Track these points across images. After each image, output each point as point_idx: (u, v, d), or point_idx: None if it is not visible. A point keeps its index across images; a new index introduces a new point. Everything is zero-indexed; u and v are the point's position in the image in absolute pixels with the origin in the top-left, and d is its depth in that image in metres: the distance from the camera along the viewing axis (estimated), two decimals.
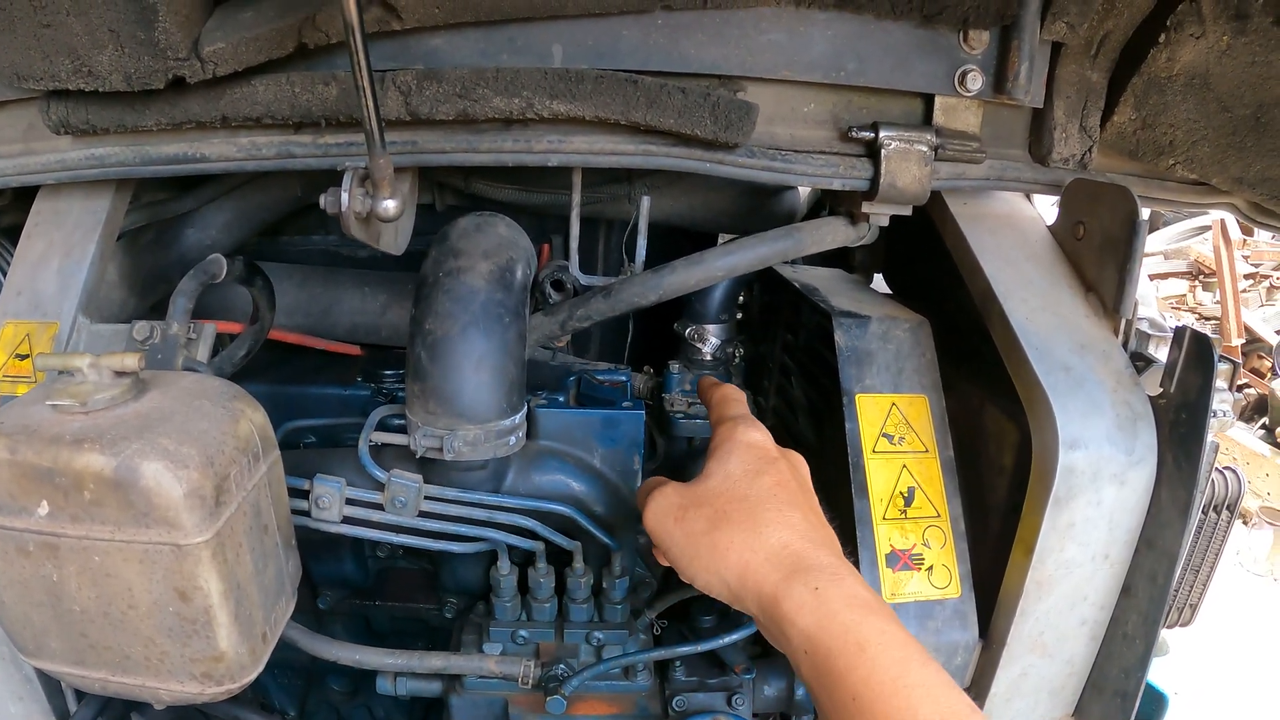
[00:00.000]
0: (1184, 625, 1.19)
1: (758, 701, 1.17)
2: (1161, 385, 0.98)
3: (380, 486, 1.04)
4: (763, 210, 1.33)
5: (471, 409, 1.00)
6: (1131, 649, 1.02)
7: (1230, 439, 5.10)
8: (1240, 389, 5.59)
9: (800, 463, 0.88)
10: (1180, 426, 0.96)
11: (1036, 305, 1.01)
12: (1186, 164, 1.11)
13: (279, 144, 1.02)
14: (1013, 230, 1.08)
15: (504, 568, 1.10)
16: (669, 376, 1.23)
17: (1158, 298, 5.85)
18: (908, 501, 1.03)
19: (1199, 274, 6.20)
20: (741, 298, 1.35)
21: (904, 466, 1.04)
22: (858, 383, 1.05)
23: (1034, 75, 1.04)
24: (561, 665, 1.11)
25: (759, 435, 0.86)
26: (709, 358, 1.22)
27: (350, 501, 1.05)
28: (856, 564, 0.98)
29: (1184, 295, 6.09)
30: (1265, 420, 5.25)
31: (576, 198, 1.03)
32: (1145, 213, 1.02)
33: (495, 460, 1.04)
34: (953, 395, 1.12)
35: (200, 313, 1.14)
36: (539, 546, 1.07)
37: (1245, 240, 6.16)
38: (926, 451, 1.06)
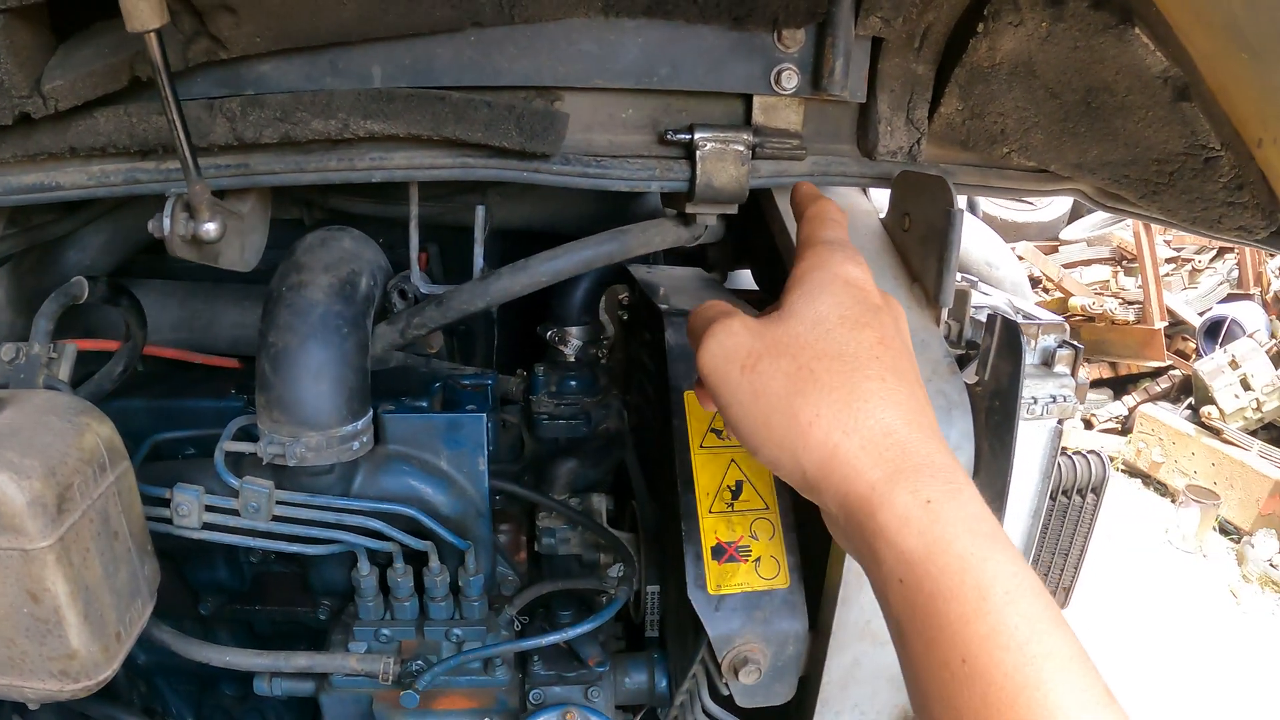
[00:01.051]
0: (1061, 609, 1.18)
1: (619, 694, 1.20)
2: (977, 374, 0.99)
3: (235, 493, 1.10)
4: (624, 212, 1.34)
5: (313, 416, 1.05)
6: None
7: (1155, 419, 5.16)
8: (1165, 371, 5.57)
9: (902, 316, 0.70)
10: (995, 414, 0.95)
11: None
12: (1021, 152, 1.11)
13: (125, 171, 1.05)
14: None
15: (364, 569, 1.14)
16: (535, 379, 1.26)
17: (1081, 284, 5.86)
18: (735, 495, 1.05)
19: (1121, 260, 6.23)
20: (624, 298, 1.38)
21: (732, 461, 1.06)
22: (686, 379, 1.06)
23: (852, 71, 1.04)
24: (420, 661, 1.15)
25: (859, 272, 0.68)
26: (572, 358, 1.25)
27: (209, 509, 1.10)
28: (681, 558, 1.01)
29: (1107, 281, 6.11)
30: (1190, 400, 5.27)
31: (414, 210, 1.07)
32: (962, 201, 1.03)
33: (342, 465, 1.08)
34: None
35: (92, 332, 1.22)
36: (395, 548, 1.11)
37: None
38: None
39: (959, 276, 1.63)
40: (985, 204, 7.15)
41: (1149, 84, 1.07)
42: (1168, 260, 6.13)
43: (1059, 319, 1.18)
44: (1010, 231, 7.53)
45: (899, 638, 0.55)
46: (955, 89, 1.05)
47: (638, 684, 1.18)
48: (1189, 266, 6.12)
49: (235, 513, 1.07)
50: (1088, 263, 6.31)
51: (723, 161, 1.02)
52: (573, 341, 1.26)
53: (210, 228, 0.96)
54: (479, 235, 1.05)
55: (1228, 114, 1.11)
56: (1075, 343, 1.08)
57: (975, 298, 1.31)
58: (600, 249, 1.04)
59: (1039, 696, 0.47)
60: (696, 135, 1.01)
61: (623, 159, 1.02)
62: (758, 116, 1.04)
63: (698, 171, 1.01)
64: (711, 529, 1.02)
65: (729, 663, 1.00)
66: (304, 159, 1.04)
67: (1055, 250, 6.73)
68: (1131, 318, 5.55)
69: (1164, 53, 1.06)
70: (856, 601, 0.98)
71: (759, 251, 1.39)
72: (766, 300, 1.18)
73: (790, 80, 1.02)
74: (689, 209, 1.04)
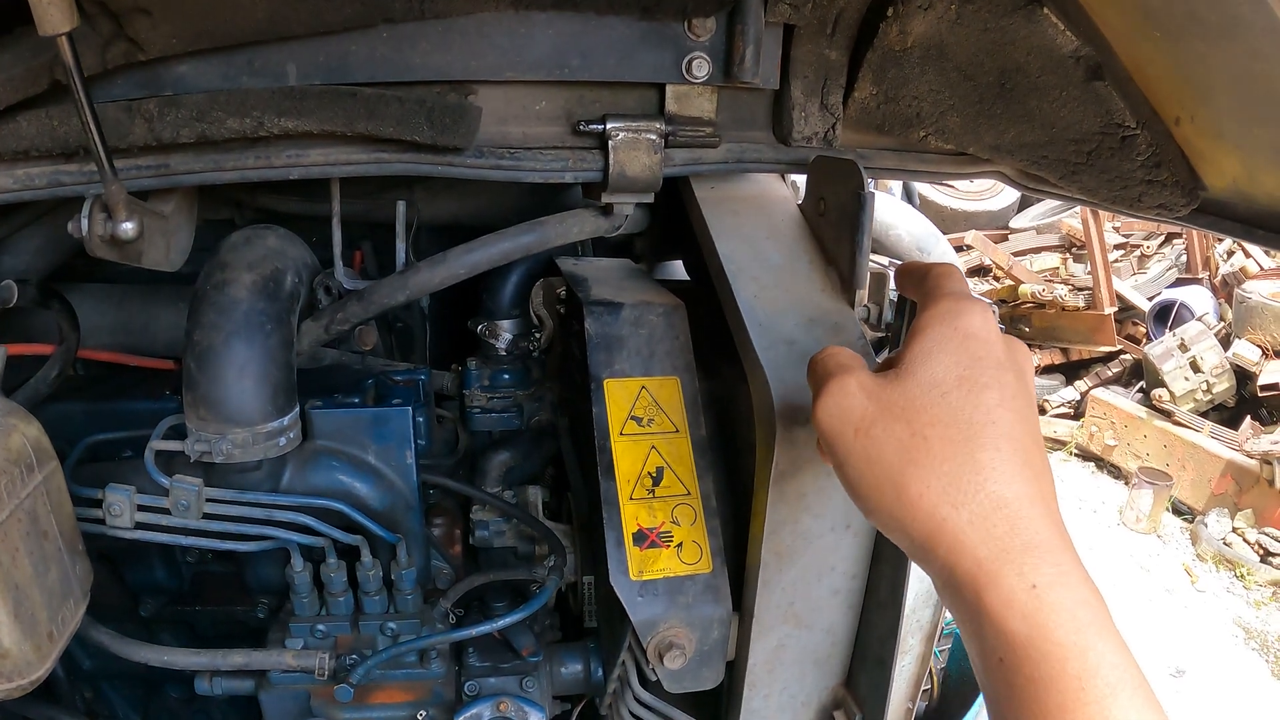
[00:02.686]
0: None
1: (556, 684, 1.20)
2: (888, 355, 1.00)
3: (166, 492, 1.11)
4: (553, 204, 1.34)
5: (238, 413, 1.04)
6: (885, 616, 1.01)
7: (1107, 403, 5.22)
8: (1116, 356, 5.62)
9: (1028, 366, 0.65)
10: None
11: (769, 283, 1.00)
12: (939, 135, 1.12)
13: (49, 174, 1.05)
14: (758, 210, 1.05)
15: (297, 565, 1.14)
16: (467, 373, 1.27)
17: (1031, 271, 5.89)
18: (656, 481, 1.05)
19: (1071, 247, 6.26)
20: (562, 291, 1.39)
21: (653, 447, 1.06)
22: (606, 368, 1.06)
23: (763, 58, 1.04)
24: (355, 656, 1.16)
25: (982, 320, 0.63)
26: (503, 352, 1.26)
27: (142, 508, 1.11)
28: (602, 542, 1.02)
29: (1057, 268, 6.14)
30: (1142, 384, 5.31)
31: (335, 206, 1.08)
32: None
33: (269, 461, 1.07)
34: (718, 377, 1.15)
35: (28, 337, 1.24)
36: (326, 543, 1.12)
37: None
38: (677, 431, 1.08)
39: (887, 261, 1.64)
40: (936, 194, 7.20)
41: (1061, 64, 1.08)
42: (1117, 246, 6.17)
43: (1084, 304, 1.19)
44: (960, 221, 7.60)
45: (995, 712, 0.55)
46: (869, 73, 1.06)
47: (574, 673, 1.18)
48: (1138, 252, 6.18)
49: (167, 511, 1.08)
50: (1037, 250, 6.37)
51: (635, 151, 1.03)
52: (504, 335, 1.26)
53: (128, 227, 0.97)
54: (401, 230, 1.07)
55: (1144, 93, 1.12)
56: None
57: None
58: (518, 241, 1.04)
59: None
60: (609, 125, 1.01)
61: (536, 150, 1.02)
62: (671, 105, 1.04)
63: (610, 161, 1.00)
64: (633, 515, 1.02)
65: (654, 648, 1.00)
66: (222, 158, 1.04)
67: (1005, 238, 6.76)
68: (1081, 304, 5.56)
69: (1074, 32, 1.07)
70: (777, 584, 0.98)
71: (690, 241, 1.40)
72: (695, 290, 1.19)
73: (701, 69, 1.03)
74: (605, 199, 1.04)
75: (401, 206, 1.08)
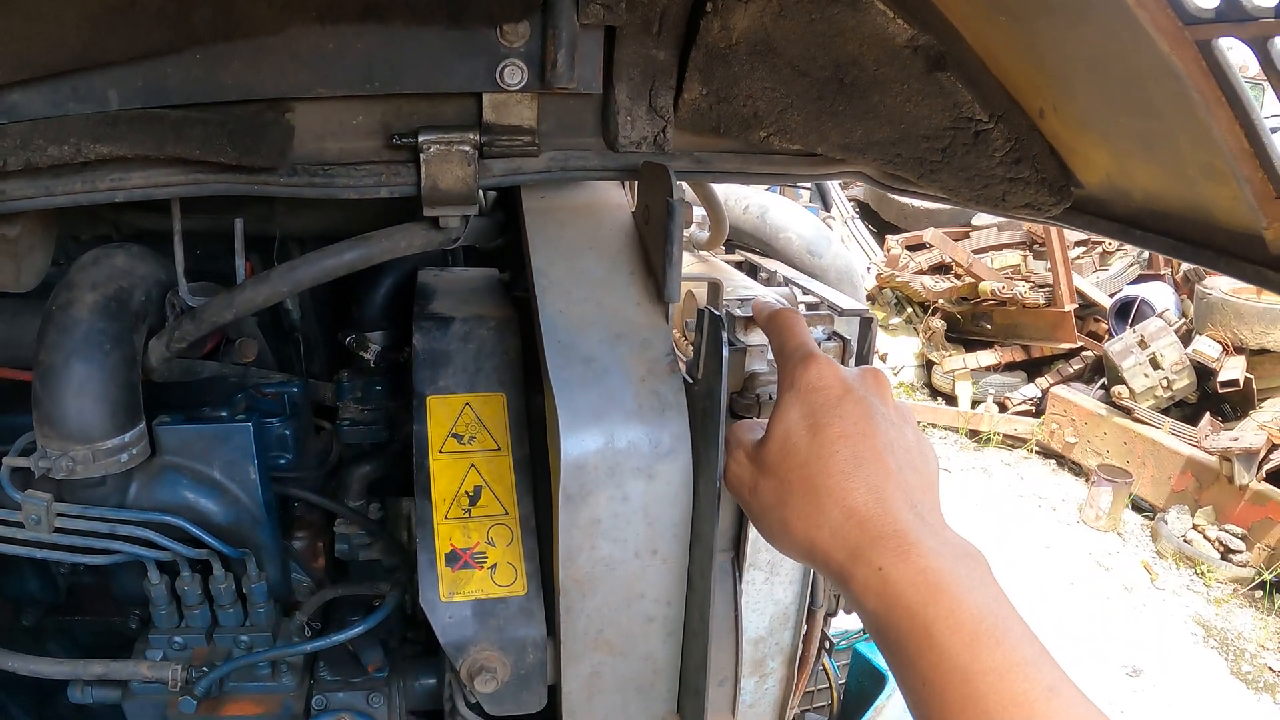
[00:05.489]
0: (845, 613, 1.14)
1: (411, 699, 1.19)
2: (691, 371, 0.96)
3: (19, 506, 1.17)
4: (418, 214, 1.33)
5: (79, 430, 1.03)
6: (697, 644, 0.97)
7: (1068, 400, 5.14)
8: (1077, 353, 5.52)
9: (873, 390, 0.76)
10: (706, 414, 0.92)
11: (580, 296, 0.92)
12: (781, 135, 1.05)
13: None
14: (587, 220, 0.98)
15: (153, 578, 1.14)
16: (340, 385, 1.28)
17: (992, 269, 5.85)
18: (473, 500, 1.01)
19: (1032, 244, 6.16)
20: None
21: (472, 465, 1.03)
22: (430, 384, 0.99)
23: (580, 62, 0.99)
24: (206, 668, 1.20)
25: (817, 372, 0.75)
26: (373, 363, 1.27)
27: (1, 522, 1.18)
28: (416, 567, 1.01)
29: (1018, 265, 6.07)
30: (1103, 381, 5.21)
31: (176, 225, 1.11)
32: (684, 191, 1.01)
33: (114, 477, 1.05)
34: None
35: None
36: (170, 556, 1.16)
37: None
38: (499, 449, 1.04)
39: (778, 270, 1.58)
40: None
41: (897, 55, 1.01)
42: (1078, 244, 6.05)
43: (834, 311, 1.13)
44: (921, 218, 7.36)
45: (900, 684, 0.66)
46: (695, 73, 1.00)
47: (427, 689, 1.15)
48: (1100, 249, 6.10)
49: (21, 525, 1.14)
50: (999, 248, 6.30)
51: (448, 163, 1.00)
52: (373, 347, 1.24)
53: None
54: (239, 247, 1.08)
55: (1002, 83, 1.04)
56: (843, 335, 1.04)
57: (737, 289, 1.27)
58: (341, 257, 1.02)
59: (977, 705, 0.59)
60: (421, 138, 0.95)
61: (350, 166, 0.99)
62: (488, 114, 1.00)
63: (423, 174, 0.95)
64: (446, 535, 0.99)
65: (465, 670, 0.97)
66: (52, 183, 1.05)
67: (966, 236, 6.59)
68: (1042, 301, 5.48)
69: (907, 20, 0.99)
70: (581, 610, 0.94)
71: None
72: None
73: (514, 75, 0.99)
74: (426, 212, 1.03)
75: (239, 224, 1.09)
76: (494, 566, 0.96)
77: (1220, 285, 4.78)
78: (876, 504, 0.68)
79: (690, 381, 0.88)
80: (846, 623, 1.77)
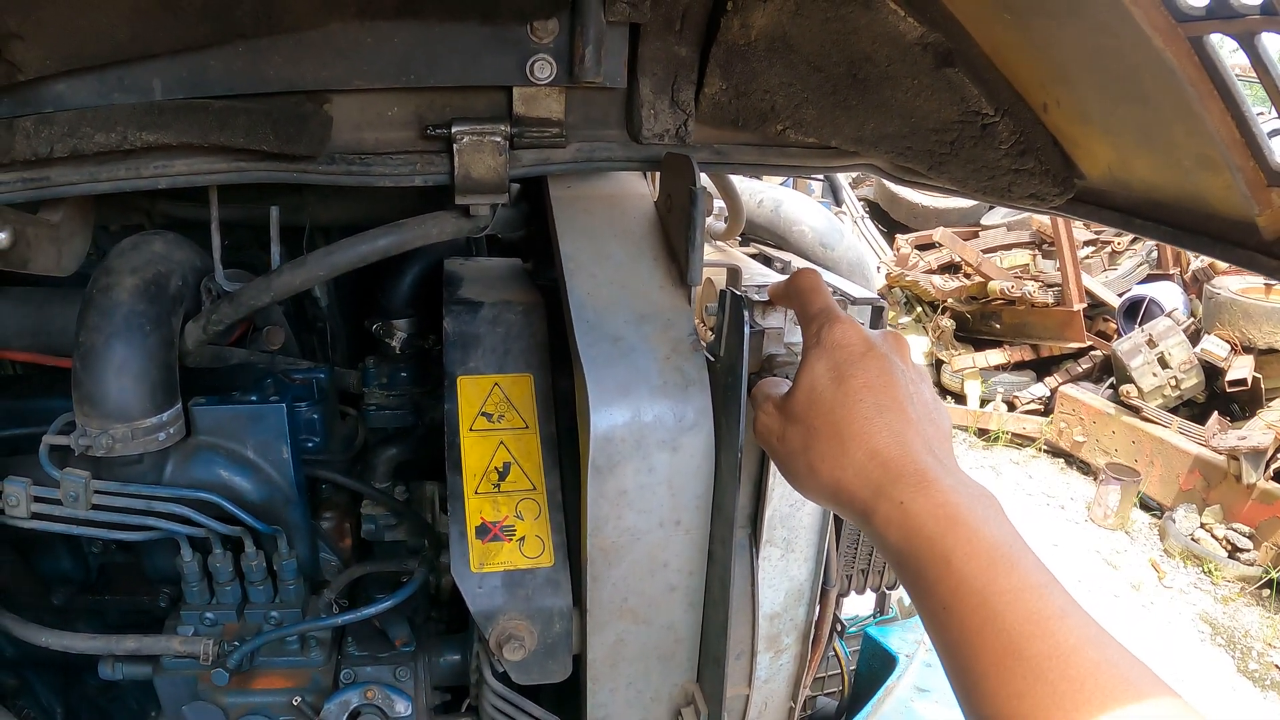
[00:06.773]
0: (858, 593, 1.19)
1: (436, 674, 1.24)
2: (713, 351, 1.02)
3: (58, 484, 1.22)
4: (446, 203, 1.39)
5: (118, 409, 1.08)
6: (718, 614, 1.01)
7: (1076, 399, 5.19)
8: (1086, 352, 5.58)
9: (893, 349, 0.81)
10: (727, 390, 0.98)
11: (605, 280, 0.96)
12: (797, 128, 1.12)
13: None
14: (612, 208, 1.04)
15: (186, 555, 1.19)
16: (366, 372, 1.34)
17: (1001, 268, 5.90)
18: (502, 476, 1.07)
19: (1041, 244, 6.23)
20: None
21: (501, 443, 1.09)
22: (460, 365, 1.04)
23: (606, 57, 1.05)
24: (237, 642, 1.25)
25: (841, 330, 0.81)
26: (399, 350, 1.32)
27: (38, 499, 1.21)
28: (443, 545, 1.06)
29: (1027, 264, 6.14)
30: (1111, 380, 5.27)
31: (214, 212, 1.17)
32: (704, 180, 1.07)
33: (151, 455, 1.09)
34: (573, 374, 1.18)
35: None
36: (204, 533, 1.21)
37: None
38: (526, 428, 1.10)
39: (792, 261, 1.64)
40: (906, 190, 7.07)
41: (908, 52, 1.08)
42: (1087, 243, 6.13)
43: (847, 299, 1.18)
44: (931, 217, 7.43)
45: (913, 601, 0.70)
46: (716, 69, 1.07)
47: (453, 664, 1.21)
48: (1109, 249, 6.16)
49: (60, 502, 1.19)
50: (1008, 247, 6.37)
51: (480, 153, 1.06)
52: (399, 334, 1.29)
53: (1, 237, 1.09)
54: (275, 234, 1.13)
55: (1008, 79, 1.10)
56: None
57: (754, 276, 1.33)
58: (375, 243, 1.08)
59: (995, 623, 0.62)
60: (454, 129, 1.00)
61: (386, 155, 1.05)
62: (518, 107, 1.05)
63: (456, 164, 1.00)
64: (476, 509, 1.05)
65: (494, 639, 1.03)
66: (97, 170, 1.10)
67: (975, 235, 6.65)
68: (1051, 300, 5.52)
69: (917, 19, 1.06)
70: (607, 579, 0.99)
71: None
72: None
73: (544, 70, 1.06)
74: (457, 200, 1.09)
75: (275, 212, 1.14)
76: (522, 539, 1.02)
77: (1229, 285, 4.81)
78: (898, 446, 0.73)
79: (712, 359, 0.94)
80: (858, 606, 1.82)
